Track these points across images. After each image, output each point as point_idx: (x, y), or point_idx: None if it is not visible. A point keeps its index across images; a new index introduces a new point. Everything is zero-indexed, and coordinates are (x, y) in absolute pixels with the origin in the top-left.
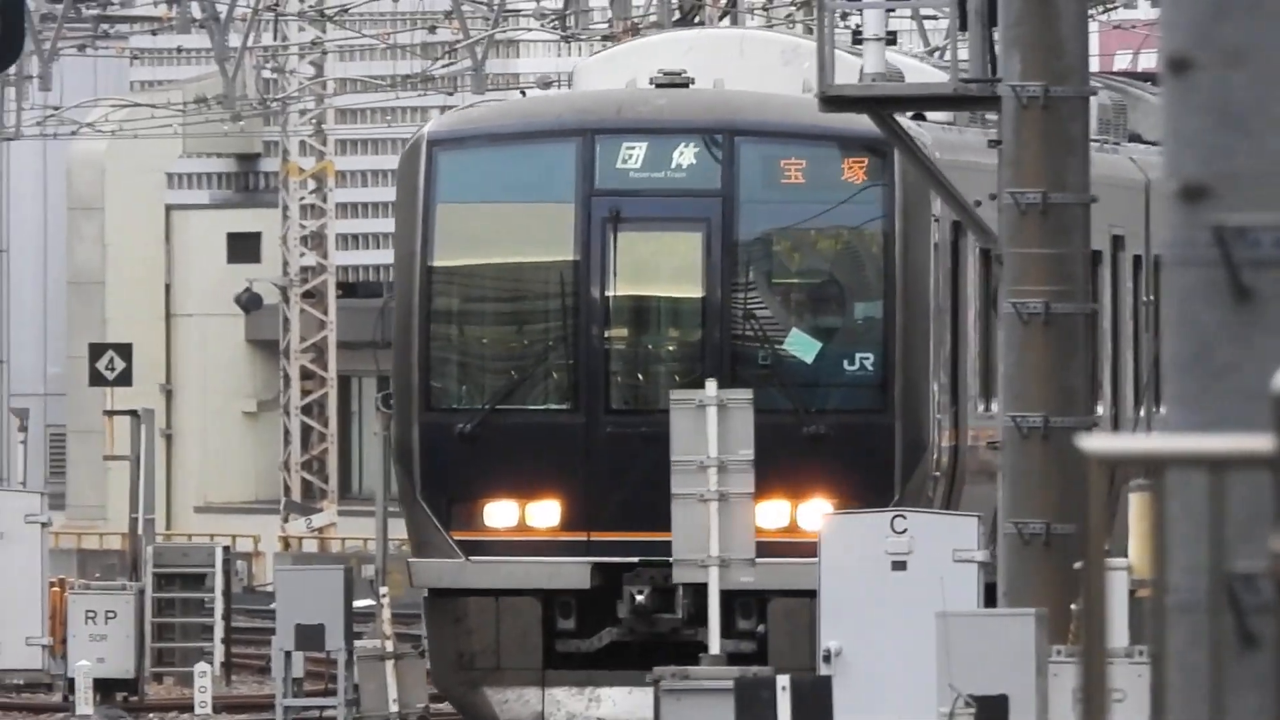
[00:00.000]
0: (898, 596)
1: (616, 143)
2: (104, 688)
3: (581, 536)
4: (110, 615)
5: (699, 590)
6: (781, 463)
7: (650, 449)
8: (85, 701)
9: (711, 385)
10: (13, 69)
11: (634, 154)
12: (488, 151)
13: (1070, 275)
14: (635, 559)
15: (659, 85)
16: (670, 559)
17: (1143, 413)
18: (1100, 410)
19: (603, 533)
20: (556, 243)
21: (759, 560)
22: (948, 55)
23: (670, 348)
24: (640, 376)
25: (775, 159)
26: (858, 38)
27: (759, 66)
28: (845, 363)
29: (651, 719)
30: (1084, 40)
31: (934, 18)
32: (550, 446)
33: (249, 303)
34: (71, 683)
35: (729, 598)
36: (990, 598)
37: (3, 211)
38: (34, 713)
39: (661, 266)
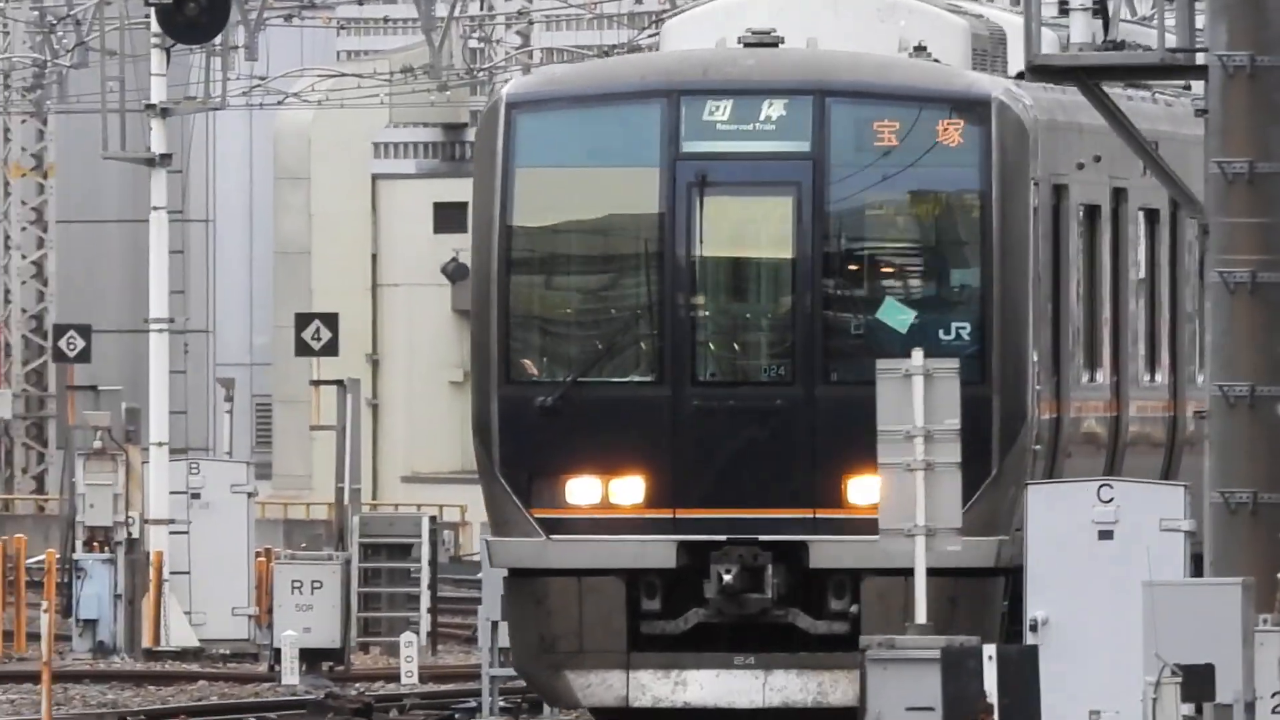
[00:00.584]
0: (1104, 566)
1: (702, 104)
2: (310, 657)
3: (667, 514)
4: (316, 585)
5: (789, 569)
6: (874, 438)
7: (739, 422)
8: (291, 671)
9: (918, 354)
10: (219, 39)
11: (721, 116)
12: (569, 114)
13: (1278, 244)
14: (723, 537)
15: (747, 45)
16: (759, 537)
17: None
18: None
19: (689, 510)
20: (641, 208)
21: (851, 539)
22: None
23: (759, 318)
24: (728, 347)
25: (868, 121)
26: (1064, 7)
27: (853, 24)
28: (941, 332)
29: (742, 703)
30: None
31: None
32: (635, 420)
33: (455, 272)
34: (278, 653)
35: (822, 577)
36: (1198, 567)
37: (210, 182)
38: (240, 682)
39: (750, 232)
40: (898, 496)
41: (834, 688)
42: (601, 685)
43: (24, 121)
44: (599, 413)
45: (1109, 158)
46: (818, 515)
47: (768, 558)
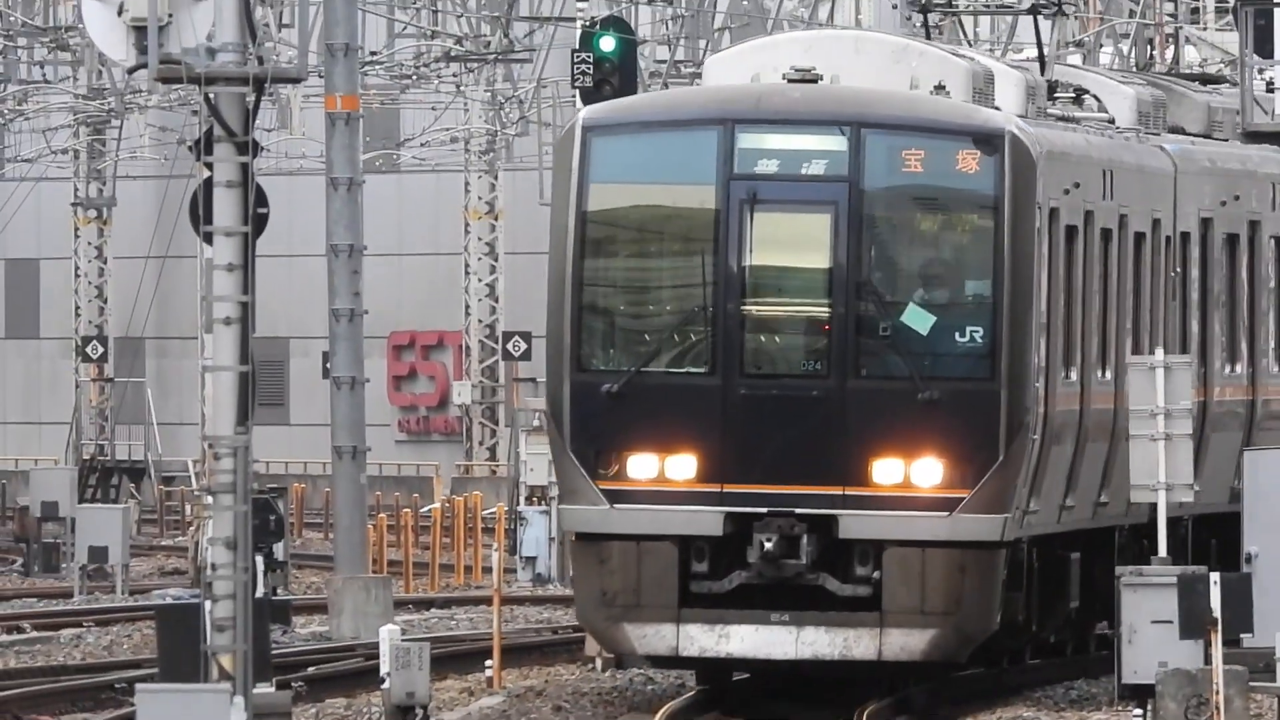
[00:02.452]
0: None
1: (754, 132)
2: None
3: (715, 488)
4: None
5: (821, 538)
6: (898, 425)
7: (779, 409)
8: None
9: (1160, 351)
10: None
11: (769, 142)
12: (638, 137)
13: None
14: (764, 509)
15: (791, 80)
16: (795, 510)
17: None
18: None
19: (735, 485)
20: (699, 221)
21: (875, 513)
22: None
23: (800, 318)
24: (772, 344)
25: (898, 149)
26: (1270, 87)
27: (872, 64)
28: (957, 335)
29: (776, 655)
30: None
31: None
32: (689, 406)
33: None
34: None
35: (849, 546)
36: None
37: None
38: None
39: (793, 244)
40: (1144, 460)
41: (857, 643)
42: (655, 635)
43: (480, 177)
44: (658, 399)
45: (1084, 185)
46: (846, 491)
47: (803, 528)
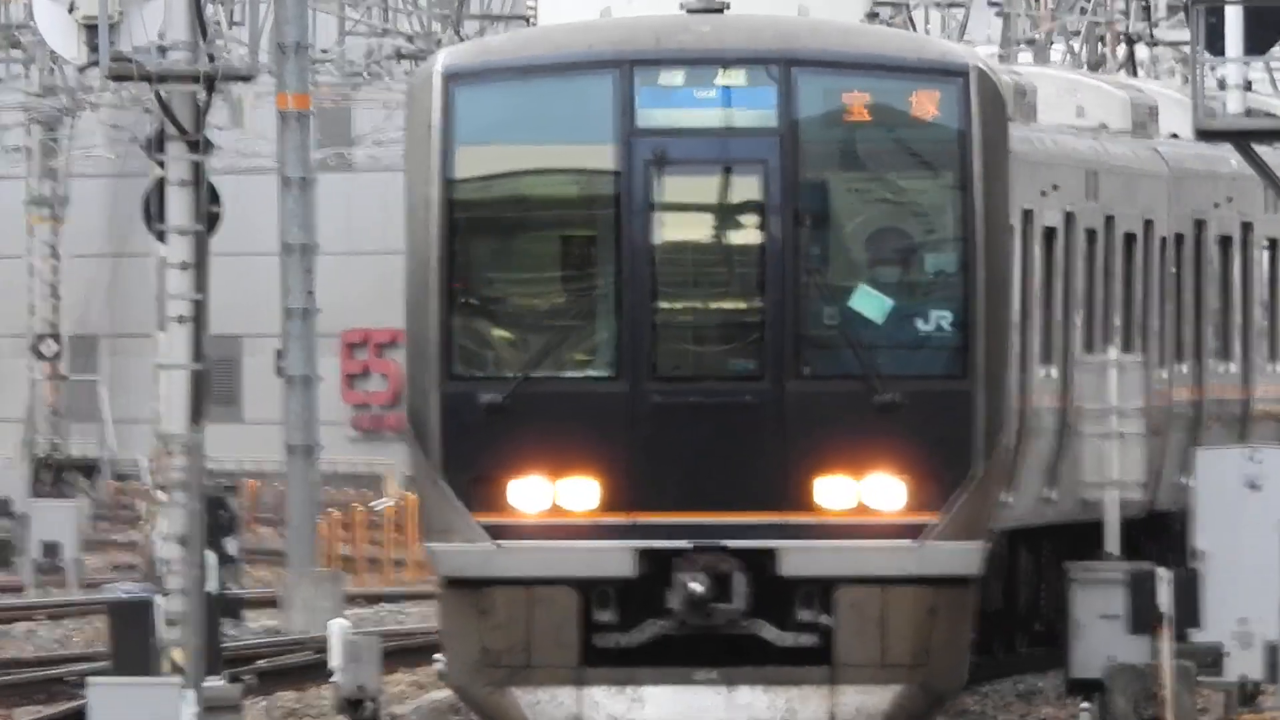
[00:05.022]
0: (1253, 510)
1: (657, 74)
2: None
3: (624, 518)
4: None
5: (758, 577)
6: (849, 436)
7: (702, 419)
8: None
9: (1113, 350)
10: None
11: (678, 88)
12: (513, 87)
13: None
14: (688, 543)
15: (691, 11)
16: (725, 543)
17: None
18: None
19: (649, 514)
20: (594, 189)
21: (822, 544)
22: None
23: (725, 306)
24: (691, 339)
25: (837, 92)
26: (1222, 84)
27: None
28: (920, 322)
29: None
30: None
31: None
32: (590, 418)
33: None
34: None
35: (788, 586)
36: None
37: None
38: None
39: (714, 215)
40: (1096, 459)
41: (804, 705)
42: (551, 702)
43: None
44: (551, 411)
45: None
46: (787, 519)
47: (735, 564)
